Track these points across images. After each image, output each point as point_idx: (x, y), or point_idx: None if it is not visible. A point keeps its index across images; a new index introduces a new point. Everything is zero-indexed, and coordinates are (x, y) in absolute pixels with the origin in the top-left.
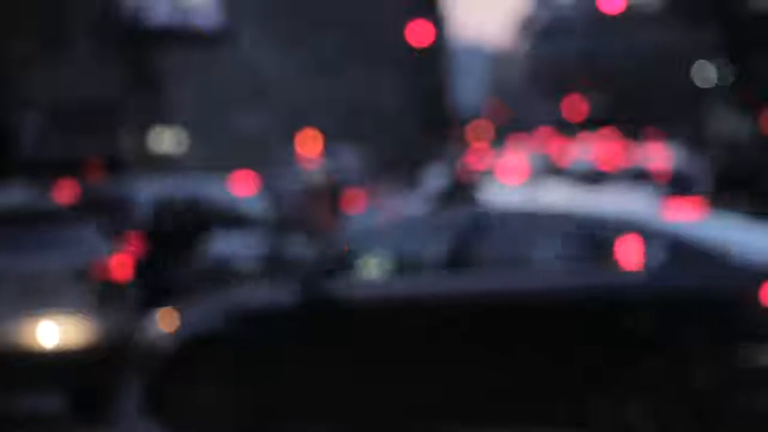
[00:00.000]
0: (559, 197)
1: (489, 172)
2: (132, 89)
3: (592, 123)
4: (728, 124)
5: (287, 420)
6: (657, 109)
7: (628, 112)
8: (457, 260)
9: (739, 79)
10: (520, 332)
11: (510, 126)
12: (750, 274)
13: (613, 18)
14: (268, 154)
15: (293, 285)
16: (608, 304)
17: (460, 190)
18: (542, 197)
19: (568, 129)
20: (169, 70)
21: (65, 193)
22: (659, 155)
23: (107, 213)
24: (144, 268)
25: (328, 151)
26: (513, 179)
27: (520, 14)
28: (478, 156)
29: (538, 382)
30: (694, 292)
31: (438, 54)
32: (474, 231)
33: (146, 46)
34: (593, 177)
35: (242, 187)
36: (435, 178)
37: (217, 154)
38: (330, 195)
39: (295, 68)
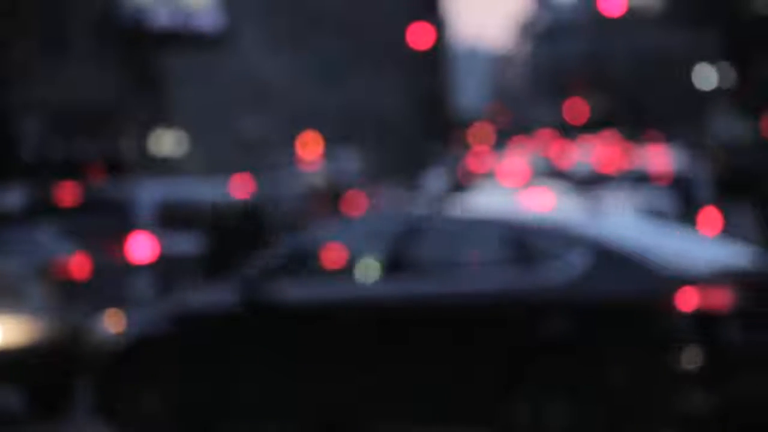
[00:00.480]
0: (492, 203)
1: (490, 175)
2: (133, 92)
3: (593, 125)
4: (729, 126)
5: (231, 419)
6: (658, 112)
7: (629, 115)
8: (392, 264)
9: (740, 82)
10: (448, 335)
11: (511, 128)
12: (667, 280)
13: (614, 21)
14: (268, 157)
15: (234, 286)
16: (532, 307)
17: (462, 193)
18: (477, 203)
19: (569, 131)
20: (170, 73)
21: (66, 194)
22: (660, 158)
23: (108, 215)
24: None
25: (328, 153)
26: (514, 181)
27: (521, 17)
28: (479, 158)
29: (466, 384)
30: (614, 296)
31: (439, 56)
32: (407, 236)
33: (147, 48)
34: (594, 179)
35: (242, 190)
36: (436, 181)
37: (217, 157)
38: (331, 197)
39: (295, 71)
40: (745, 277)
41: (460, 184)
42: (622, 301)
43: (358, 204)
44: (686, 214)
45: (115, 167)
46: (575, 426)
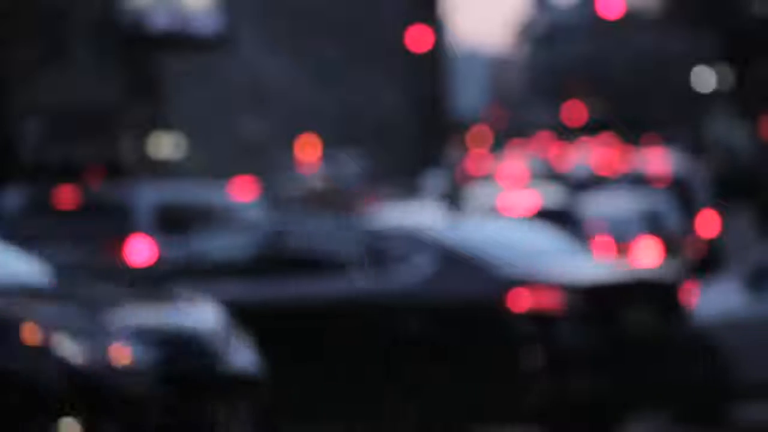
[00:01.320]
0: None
1: (489, 177)
2: (132, 94)
3: (591, 128)
4: (728, 129)
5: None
6: (656, 114)
7: (628, 117)
8: (259, 269)
9: (738, 84)
10: (303, 335)
11: (509, 131)
12: (500, 281)
13: (613, 23)
14: (267, 160)
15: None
16: (385, 308)
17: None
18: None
19: (567, 134)
20: (168, 76)
21: (65, 197)
22: (658, 160)
23: (106, 217)
24: None
25: (327, 156)
26: (513, 184)
27: (519, 19)
28: (477, 160)
29: (326, 381)
30: (455, 298)
31: (437, 59)
32: (273, 243)
33: (146, 51)
34: (592, 182)
35: (241, 193)
36: (434, 184)
37: (216, 160)
38: (329, 200)
39: (294, 74)
40: (590, 284)
41: (459, 186)
42: (462, 302)
43: (357, 207)
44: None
45: (114, 170)
46: (425, 421)
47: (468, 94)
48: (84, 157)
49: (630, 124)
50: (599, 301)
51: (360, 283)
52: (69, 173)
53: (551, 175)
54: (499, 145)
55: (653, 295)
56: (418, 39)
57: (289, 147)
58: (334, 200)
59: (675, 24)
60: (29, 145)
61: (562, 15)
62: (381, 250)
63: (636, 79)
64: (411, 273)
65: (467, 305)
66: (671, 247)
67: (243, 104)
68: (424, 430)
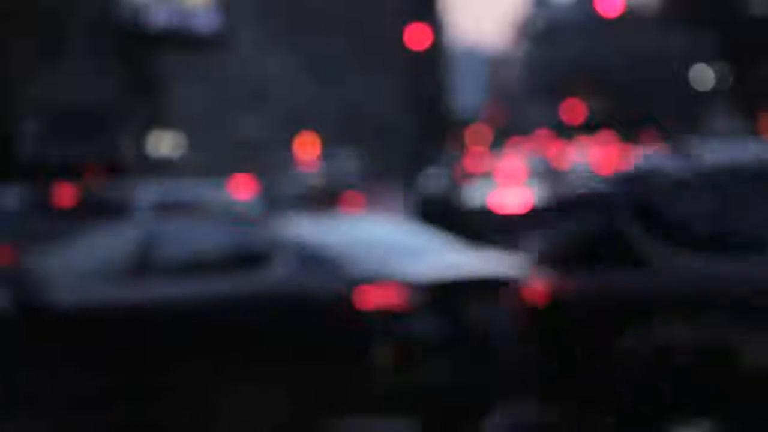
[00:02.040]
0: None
1: (487, 175)
2: (131, 93)
3: (590, 126)
4: (726, 127)
5: (10, 419)
6: (655, 112)
7: (626, 115)
8: (138, 269)
9: (737, 82)
10: (174, 335)
11: (508, 129)
12: (349, 279)
13: (611, 21)
14: (266, 158)
15: (6, 291)
16: (242, 307)
17: (459, 193)
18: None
19: (566, 132)
20: (167, 74)
21: (64, 196)
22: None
23: (105, 216)
24: None
25: (326, 154)
26: (511, 182)
27: (518, 17)
28: (476, 158)
29: (186, 381)
30: (308, 296)
31: (436, 57)
32: (151, 243)
33: (145, 49)
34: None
35: (241, 191)
36: (433, 181)
37: (215, 158)
38: (328, 198)
39: (293, 72)
40: (437, 281)
41: (457, 184)
42: (314, 301)
43: (356, 204)
44: None
45: (113, 168)
46: (284, 417)
47: (467, 92)
48: (83, 156)
49: (629, 122)
50: (445, 298)
51: (223, 283)
52: (68, 172)
53: (550, 173)
54: (498, 142)
55: (501, 292)
56: (417, 37)
57: (289, 145)
58: (332, 197)
59: (674, 22)
60: (28, 143)
61: (561, 13)
62: (245, 249)
63: (635, 77)
64: (270, 273)
65: (319, 303)
66: None
67: (242, 102)
68: (282, 425)
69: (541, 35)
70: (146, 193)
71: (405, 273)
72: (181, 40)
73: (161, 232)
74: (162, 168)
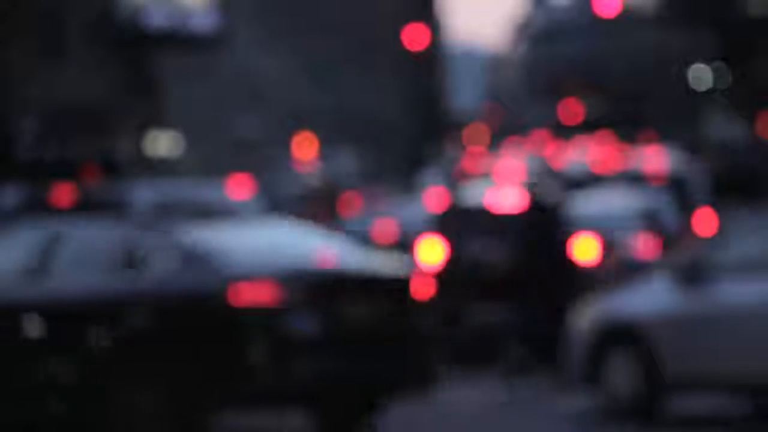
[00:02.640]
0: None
1: (486, 176)
2: (129, 92)
3: (588, 126)
4: (724, 127)
5: None
6: (653, 113)
7: (624, 115)
8: (32, 270)
9: (735, 82)
10: (61, 332)
11: (506, 129)
12: (225, 277)
13: (610, 21)
14: (264, 158)
15: None
16: (124, 305)
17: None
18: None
19: (564, 132)
20: (166, 74)
21: (62, 195)
22: (655, 158)
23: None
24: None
25: (324, 154)
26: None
27: (516, 17)
28: (474, 159)
29: (65, 376)
30: (186, 294)
31: (434, 57)
32: (48, 243)
33: (143, 49)
34: (589, 180)
35: (239, 191)
36: (432, 182)
37: (213, 158)
38: (327, 198)
39: (291, 72)
40: (312, 279)
41: (456, 184)
42: (192, 299)
43: (354, 205)
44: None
45: (111, 168)
46: (163, 412)
47: (465, 93)
48: (81, 156)
49: (627, 123)
50: (320, 295)
51: (113, 282)
52: (66, 171)
53: (548, 173)
54: (496, 143)
55: (379, 290)
56: (415, 37)
57: (287, 145)
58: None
59: (672, 22)
60: (26, 143)
61: (560, 13)
62: (133, 250)
63: (633, 77)
64: (154, 272)
65: (196, 301)
66: (668, 245)
67: (240, 102)
68: (161, 421)
69: (540, 36)
70: (144, 192)
71: (282, 271)
72: (179, 40)
73: (59, 234)
74: (160, 168)
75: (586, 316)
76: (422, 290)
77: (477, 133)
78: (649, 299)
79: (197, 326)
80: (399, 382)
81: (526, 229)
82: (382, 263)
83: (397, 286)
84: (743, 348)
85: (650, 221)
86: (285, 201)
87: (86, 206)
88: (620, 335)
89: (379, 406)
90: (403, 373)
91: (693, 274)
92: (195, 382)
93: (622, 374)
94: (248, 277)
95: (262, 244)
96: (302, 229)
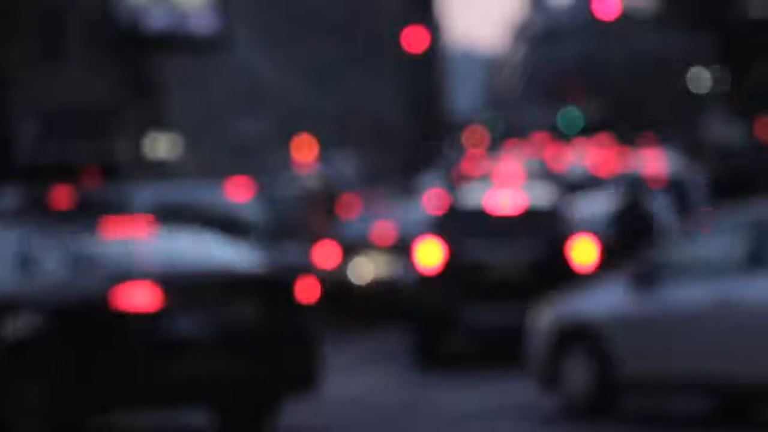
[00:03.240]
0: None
1: (485, 178)
2: (128, 94)
3: (587, 129)
4: (723, 130)
5: None
6: (652, 115)
7: (624, 118)
8: None
9: (734, 85)
10: None
11: (505, 131)
12: (109, 280)
13: (609, 24)
14: (264, 160)
15: None
16: (16, 307)
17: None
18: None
19: (563, 134)
20: (165, 76)
21: (61, 197)
22: (654, 161)
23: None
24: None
25: (323, 156)
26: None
27: (515, 20)
28: (473, 161)
29: None
30: (74, 297)
31: (433, 59)
32: None
33: (143, 51)
34: (588, 182)
35: (238, 193)
36: (430, 184)
37: (213, 160)
38: (325, 201)
39: (291, 74)
40: (192, 281)
41: (455, 187)
42: (79, 301)
43: (353, 207)
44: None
45: (111, 170)
46: (53, 412)
47: (464, 95)
48: (80, 158)
49: (626, 125)
50: (201, 297)
51: (10, 285)
52: (65, 173)
53: (547, 175)
54: (495, 145)
55: (262, 292)
56: (414, 39)
57: (286, 147)
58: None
59: (671, 25)
60: (26, 145)
61: (558, 16)
62: (30, 254)
63: (632, 80)
64: (42, 275)
65: (80, 303)
66: None
67: (239, 104)
68: (52, 420)
69: (539, 38)
70: (143, 194)
71: (164, 274)
72: (178, 42)
73: None
74: (159, 170)
75: (546, 316)
76: (307, 292)
77: (476, 134)
78: (604, 301)
79: (80, 327)
80: (281, 382)
81: (526, 232)
82: (267, 266)
83: (281, 289)
84: (692, 348)
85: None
86: (284, 203)
87: (86, 208)
88: (577, 335)
89: (273, 406)
90: (285, 374)
91: (646, 277)
92: (76, 382)
93: (578, 374)
94: (130, 279)
95: (154, 249)
96: (206, 238)
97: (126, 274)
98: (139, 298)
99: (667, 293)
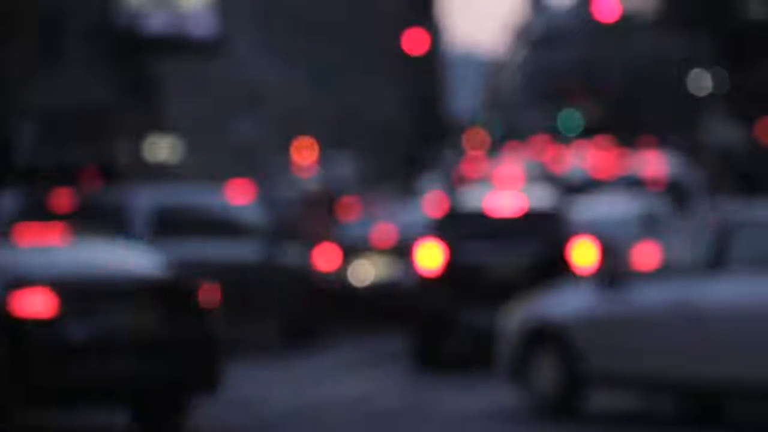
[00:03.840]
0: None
1: (485, 180)
2: (128, 97)
3: (587, 131)
4: (724, 132)
5: None
6: (652, 118)
7: (623, 120)
8: None
9: (734, 87)
10: None
11: (505, 134)
12: (4, 286)
13: (609, 26)
14: (263, 163)
15: None
16: None
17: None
18: None
19: (563, 136)
20: (164, 79)
21: (61, 200)
22: (654, 163)
23: (102, 220)
24: None
25: (323, 159)
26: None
27: (515, 22)
28: (474, 163)
29: None
30: None
31: (434, 62)
32: None
33: (142, 53)
34: (588, 185)
35: (238, 196)
36: (430, 186)
37: (212, 163)
38: (326, 203)
39: (290, 77)
40: (84, 287)
41: (455, 189)
42: None
43: (353, 210)
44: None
45: (110, 173)
46: None
47: (464, 97)
48: (80, 160)
49: (626, 127)
50: (95, 303)
51: None
52: (65, 176)
53: (547, 177)
54: (495, 147)
55: (159, 297)
56: (414, 42)
57: (286, 150)
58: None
59: (671, 27)
60: (25, 147)
61: (558, 18)
62: None
63: (632, 82)
64: None
65: None
66: None
67: (239, 107)
68: None
69: (539, 40)
70: (143, 197)
71: (61, 280)
72: (178, 44)
73: None
74: (159, 172)
75: (515, 316)
76: (206, 297)
77: (476, 137)
78: (571, 301)
79: None
80: (181, 384)
81: (526, 234)
82: (170, 273)
83: (182, 294)
84: (655, 348)
85: (648, 226)
86: (284, 205)
87: (85, 211)
88: (545, 335)
89: (176, 407)
90: (184, 376)
91: (611, 277)
92: None
93: (546, 372)
94: (27, 285)
95: (59, 257)
96: (117, 246)
97: (22, 281)
98: (35, 304)
99: (632, 293)
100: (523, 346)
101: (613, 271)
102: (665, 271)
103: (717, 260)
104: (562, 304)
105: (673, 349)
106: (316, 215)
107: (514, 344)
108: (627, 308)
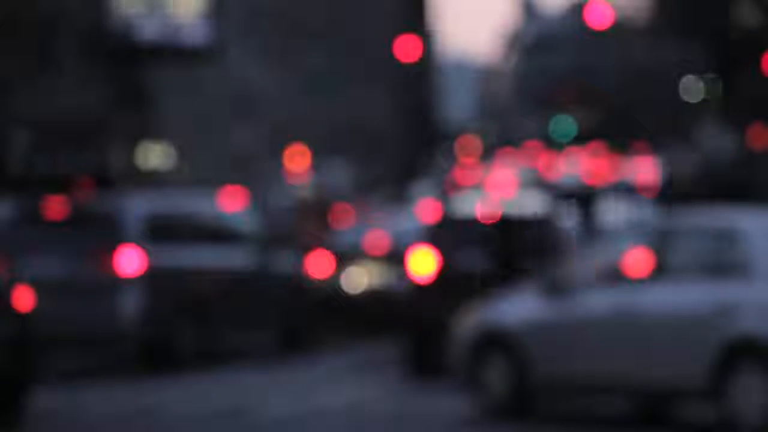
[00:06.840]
0: None
1: (478, 187)
2: (120, 105)
3: (580, 137)
4: (716, 139)
5: None
6: (645, 124)
7: (616, 127)
8: None
9: (727, 94)
10: None
11: (498, 140)
12: None
13: (601, 33)
14: (256, 170)
15: None
16: None
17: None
18: None
19: (556, 143)
20: (158, 86)
21: (54, 208)
22: (647, 170)
23: (96, 228)
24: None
25: (316, 166)
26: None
27: (508, 29)
28: (466, 170)
29: None
30: None
31: (426, 69)
32: None
33: (135, 62)
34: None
35: (231, 203)
36: (423, 193)
37: (205, 170)
38: (318, 210)
39: (283, 84)
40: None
41: (448, 196)
42: None
43: (346, 217)
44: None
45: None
46: None
47: (457, 104)
48: (73, 168)
49: (619, 134)
50: None
51: None
52: (58, 184)
53: (540, 184)
54: (488, 154)
55: None
56: (407, 49)
57: (279, 157)
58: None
59: (664, 34)
60: (18, 155)
61: (551, 25)
62: None
63: (625, 89)
64: None
65: None
66: None
67: (232, 115)
68: None
69: (531, 47)
70: (136, 205)
71: None
72: (171, 52)
73: None
74: (152, 180)
75: (468, 322)
76: (21, 300)
77: (469, 144)
78: (519, 308)
79: None
80: None
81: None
82: None
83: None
84: (598, 352)
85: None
86: (277, 212)
87: (79, 219)
88: (496, 340)
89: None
90: None
91: (556, 284)
92: None
93: (497, 376)
94: None
95: None
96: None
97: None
98: None
99: (575, 299)
100: (475, 351)
101: (559, 277)
102: (609, 277)
103: (657, 266)
104: (509, 310)
105: (615, 353)
106: (309, 222)
107: (467, 349)
108: (571, 314)
